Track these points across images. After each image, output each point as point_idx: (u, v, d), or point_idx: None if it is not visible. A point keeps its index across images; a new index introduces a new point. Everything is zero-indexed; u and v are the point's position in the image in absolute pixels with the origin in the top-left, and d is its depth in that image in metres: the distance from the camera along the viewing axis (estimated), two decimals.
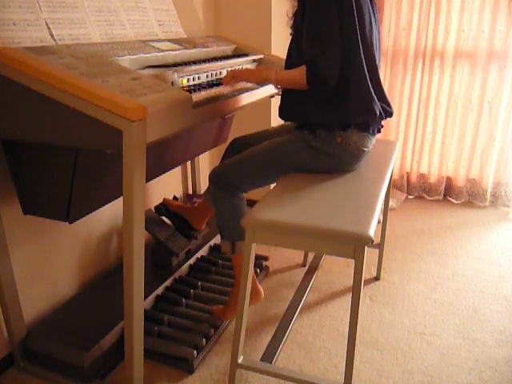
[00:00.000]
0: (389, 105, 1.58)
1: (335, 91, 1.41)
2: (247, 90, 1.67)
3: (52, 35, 1.30)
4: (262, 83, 1.59)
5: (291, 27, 1.56)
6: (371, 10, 1.50)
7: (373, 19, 1.50)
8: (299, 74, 1.41)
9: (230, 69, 1.76)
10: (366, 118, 1.48)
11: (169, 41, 1.71)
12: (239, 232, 1.53)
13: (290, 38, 1.56)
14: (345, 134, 1.48)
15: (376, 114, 1.49)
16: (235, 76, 1.54)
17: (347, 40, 1.39)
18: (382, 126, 1.61)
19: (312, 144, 1.49)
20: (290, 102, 1.53)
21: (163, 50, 1.55)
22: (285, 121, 1.61)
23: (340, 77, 1.39)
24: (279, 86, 1.55)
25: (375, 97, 1.48)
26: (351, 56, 1.41)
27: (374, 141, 1.58)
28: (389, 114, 1.57)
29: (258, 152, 1.55)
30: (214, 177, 1.56)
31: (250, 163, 1.54)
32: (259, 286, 1.68)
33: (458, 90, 2.83)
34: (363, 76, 1.44)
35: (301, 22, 1.44)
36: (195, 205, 2.08)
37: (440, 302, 1.95)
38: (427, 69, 2.86)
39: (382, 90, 1.55)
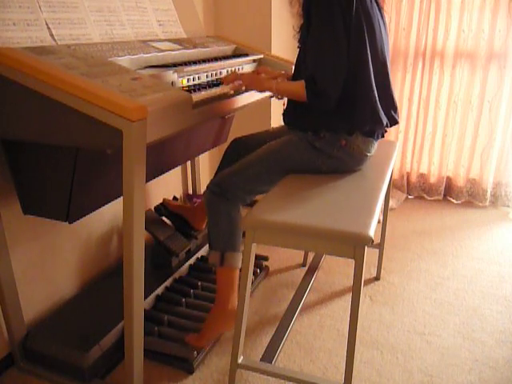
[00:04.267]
0: (397, 113, 1.57)
1: (342, 102, 1.40)
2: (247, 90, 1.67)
3: (52, 35, 1.30)
4: (262, 92, 1.58)
5: (298, 41, 1.55)
6: (379, 15, 1.49)
7: (381, 24, 1.50)
8: (299, 87, 1.40)
9: (230, 69, 1.76)
10: (373, 126, 1.48)
11: (169, 41, 1.71)
12: (231, 243, 1.50)
13: (298, 51, 1.54)
14: (349, 137, 1.47)
15: (383, 124, 1.49)
16: (237, 78, 1.53)
17: (355, 51, 1.38)
18: (386, 131, 1.60)
19: (315, 145, 1.49)
20: (296, 108, 1.52)
21: (163, 50, 1.55)
22: (290, 127, 1.59)
23: (347, 88, 1.39)
24: (280, 96, 1.54)
25: (383, 107, 1.48)
26: (359, 68, 1.40)
27: (376, 145, 1.58)
28: (395, 122, 1.57)
29: (260, 156, 1.53)
30: (214, 185, 1.51)
31: (252, 168, 1.51)
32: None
33: (458, 90, 2.83)
34: (371, 87, 1.43)
35: (307, 36, 1.43)
36: (195, 205, 2.08)
37: (440, 301, 1.95)
38: (427, 69, 2.86)
39: (392, 97, 1.55)
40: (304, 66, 1.47)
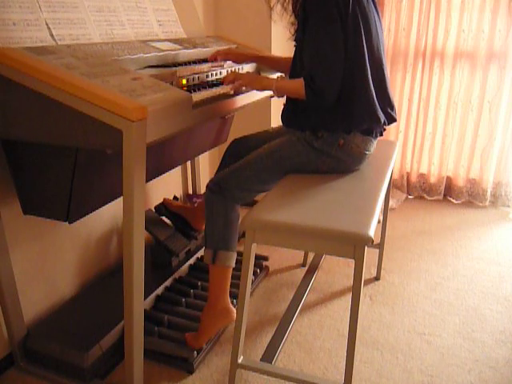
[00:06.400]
0: (394, 110, 1.58)
1: (339, 100, 1.41)
2: (247, 90, 1.66)
3: (52, 35, 1.30)
4: (262, 90, 1.59)
5: (294, 39, 1.55)
6: (376, 15, 1.50)
7: (378, 24, 1.50)
8: (299, 85, 1.40)
9: (230, 69, 1.76)
10: (370, 125, 1.49)
11: (169, 41, 1.71)
12: (225, 241, 1.49)
13: (294, 49, 1.54)
14: (348, 136, 1.47)
15: (380, 122, 1.49)
16: (237, 78, 1.54)
17: (352, 50, 1.39)
18: (385, 130, 1.60)
19: (314, 145, 1.49)
20: (294, 109, 1.52)
21: (163, 50, 1.55)
22: (288, 127, 1.59)
23: (344, 86, 1.39)
24: (279, 95, 1.55)
25: (380, 105, 1.49)
26: (356, 66, 1.41)
27: (375, 144, 1.58)
28: (393, 119, 1.58)
29: (259, 155, 1.53)
30: (213, 183, 1.51)
31: (251, 167, 1.51)
32: (231, 305, 1.57)
33: (458, 90, 2.83)
34: (368, 85, 1.44)
35: (303, 34, 1.43)
36: (195, 205, 2.08)
37: (440, 301, 1.95)
38: (427, 69, 2.86)
39: (389, 96, 1.55)
40: (300, 64, 1.47)
